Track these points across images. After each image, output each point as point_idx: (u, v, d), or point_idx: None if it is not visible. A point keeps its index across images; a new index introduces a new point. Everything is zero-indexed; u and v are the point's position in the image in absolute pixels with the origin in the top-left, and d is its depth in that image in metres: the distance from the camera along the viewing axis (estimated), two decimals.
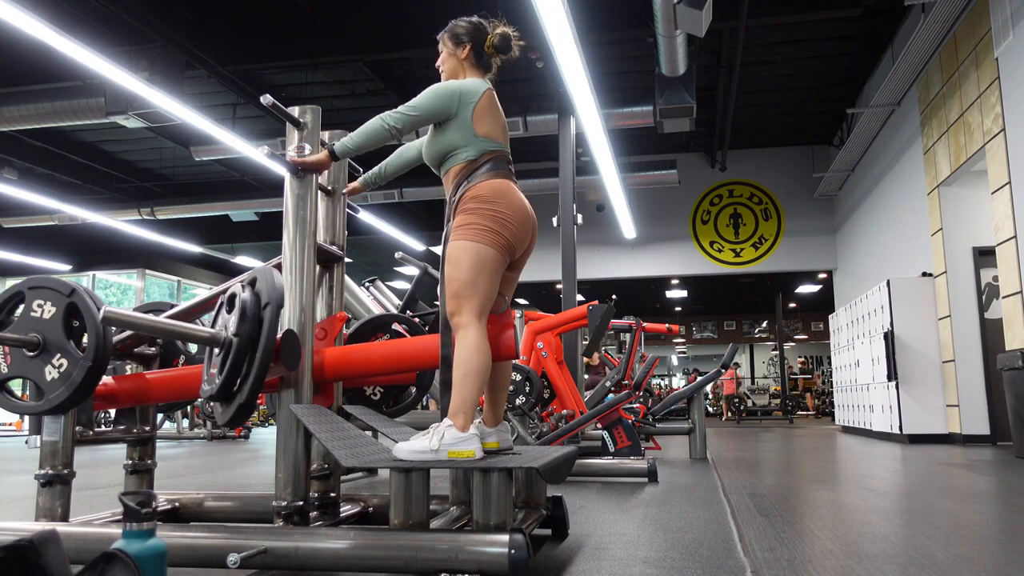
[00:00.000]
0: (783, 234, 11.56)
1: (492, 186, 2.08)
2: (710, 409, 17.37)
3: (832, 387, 11.81)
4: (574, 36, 4.96)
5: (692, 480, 4.01)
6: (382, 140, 2.10)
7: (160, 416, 6.94)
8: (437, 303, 2.58)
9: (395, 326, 2.53)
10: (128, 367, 2.46)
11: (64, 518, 2.05)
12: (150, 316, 1.87)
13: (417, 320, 2.56)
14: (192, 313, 2.39)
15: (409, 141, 2.41)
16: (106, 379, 2.18)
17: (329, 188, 2.46)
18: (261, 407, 9.52)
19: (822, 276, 14.98)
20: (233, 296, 1.87)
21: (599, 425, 4.60)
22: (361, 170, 2.64)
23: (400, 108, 2.09)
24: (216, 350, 1.88)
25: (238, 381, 1.83)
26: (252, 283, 1.91)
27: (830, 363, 12.54)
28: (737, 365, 19.93)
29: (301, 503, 1.97)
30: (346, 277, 2.49)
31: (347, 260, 2.48)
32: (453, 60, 2.25)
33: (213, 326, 1.95)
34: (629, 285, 14.49)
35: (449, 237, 2.07)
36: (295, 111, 2.21)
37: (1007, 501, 3.17)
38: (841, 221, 11.24)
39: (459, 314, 1.99)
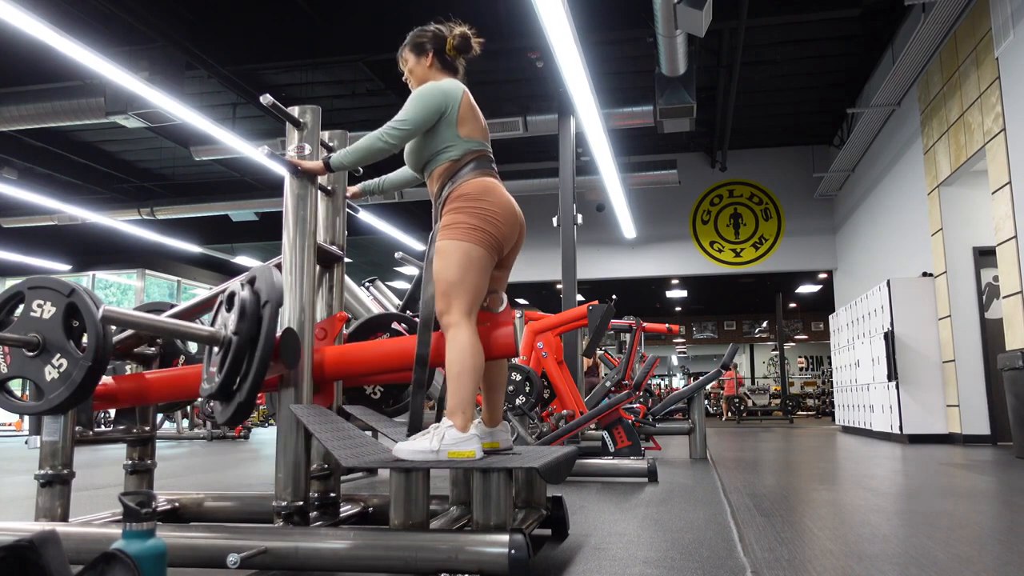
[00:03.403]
0: (783, 234, 11.56)
1: (477, 184, 2.08)
2: (710, 410, 17.36)
3: (832, 387, 11.81)
4: (574, 36, 4.96)
5: (692, 480, 4.00)
6: (378, 156, 2.12)
7: (160, 416, 6.94)
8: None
9: (394, 325, 2.52)
10: (128, 367, 2.46)
11: (64, 518, 2.05)
12: (150, 315, 1.87)
13: (417, 320, 2.56)
14: (192, 313, 2.39)
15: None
16: (106, 379, 2.17)
17: (329, 188, 2.46)
18: (261, 407, 9.52)
19: (822, 276, 14.98)
20: (232, 295, 1.87)
21: (599, 425, 4.60)
22: (361, 170, 2.64)
23: (392, 123, 2.10)
24: (216, 349, 1.88)
25: (238, 379, 1.83)
26: (251, 282, 1.91)
27: (830, 363, 12.54)
28: (735, 366, 19.93)
29: (301, 503, 1.97)
30: (346, 277, 2.49)
31: (347, 260, 2.47)
32: (419, 69, 2.27)
33: (212, 325, 1.96)
34: (629, 285, 14.48)
35: (436, 237, 2.07)
36: (295, 111, 2.21)
37: (1007, 501, 3.17)
38: (841, 221, 11.23)
39: (448, 313, 1.99)
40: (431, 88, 2.13)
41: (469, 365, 1.94)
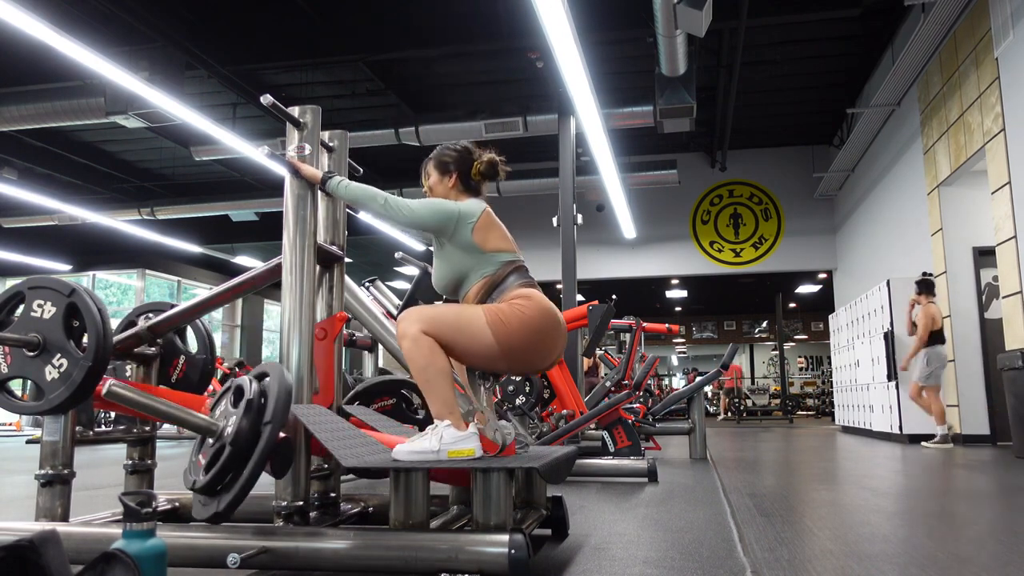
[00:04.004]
0: (783, 234, 11.56)
1: (527, 294, 2.05)
2: (710, 409, 17.37)
3: (832, 387, 11.81)
4: (574, 36, 4.96)
5: (692, 480, 4.01)
6: (370, 211, 2.13)
7: None
8: (437, 303, 2.57)
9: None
10: (128, 367, 2.46)
11: (64, 518, 2.05)
12: (153, 399, 1.81)
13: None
14: (193, 312, 2.40)
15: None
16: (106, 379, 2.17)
17: None
18: None
19: (822, 276, 14.98)
20: (240, 391, 1.82)
21: (599, 425, 4.60)
22: (361, 171, 2.64)
23: (400, 201, 2.09)
24: (209, 440, 1.84)
25: (224, 481, 1.78)
26: (262, 390, 1.83)
27: (830, 363, 12.54)
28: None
29: (301, 503, 1.97)
30: (346, 277, 2.49)
31: (347, 260, 2.48)
32: (441, 188, 2.25)
33: (214, 409, 1.92)
34: (629, 285, 14.48)
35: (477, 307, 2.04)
36: (295, 111, 2.21)
37: (1007, 501, 3.17)
38: (841, 221, 11.24)
39: (407, 322, 1.95)
40: (447, 206, 2.11)
41: (434, 369, 1.93)
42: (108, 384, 1.68)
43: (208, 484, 1.76)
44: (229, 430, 1.77)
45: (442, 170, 2.25)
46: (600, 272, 11.84)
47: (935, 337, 6.58)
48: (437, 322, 1.95)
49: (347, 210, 2.50)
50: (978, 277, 6.91)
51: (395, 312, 3.18)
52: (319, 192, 2.24)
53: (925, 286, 6.71)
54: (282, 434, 1.79)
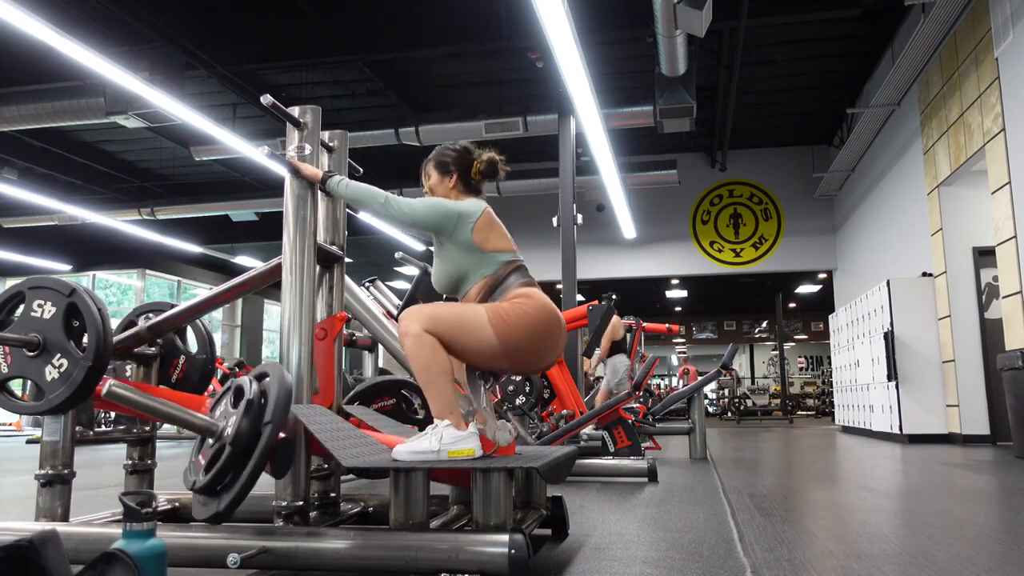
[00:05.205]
0: (783, 234, 11.56)
1: (528, 293, 2.06)
2: (710, 409, 17.37)
3: (832, 387, 11.81)
4: (574, 36, 4.96)
5: (692, 480, 4.01)
6: (370, 211, 2.13)
7: None
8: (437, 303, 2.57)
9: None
10: (128, 367, 2.46)
11: (64, 518, 2.05)
12: (151, 399, 1.81)
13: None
14: (192, 313, 2.40)
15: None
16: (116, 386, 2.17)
17: None
18: None
19: (822, 276, 14.98)
20: (240, 391, 1.82)
21: (599, 425, 4.60)
22: (361, 171, 2.64)
23: (401, 200, 2.09)
24: (209, 440, 1.84)
25: (224, 481, 1.78)
26: (262, 390, 1.83)
27: (830, 363, 12.54)
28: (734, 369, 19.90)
29: (301, 503, 1.97)
30: (346, 277, 2.49)
31: (347, 260, 2.48)
32: (441, 188, 2.25)
33: (214, 409, 1.92)
34: (629, 285, 14.48)
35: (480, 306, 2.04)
36: (295, 111, 2.22)
37: (1007, 501, 3.17)
38: (841, 221, 11.24)
39: (409, 321, 1.95)
40: (447, 206, 2.11)
41: (436, 368, 1.93)
42: (108, 384, 1.68)
43: (208, 484, 1.76)
44: (229, 430, 1.76)
45: (442, 170, 2.25)
46: (600, 272, 11.83)
47: (617, 347, 6.84)
48: (439, 320, 1.95)
49: (347, 210, 2.50)
50: (978, 277, 6.91)
51: (395, 312, 3.18)
52: (319, 192, 2.24)
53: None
54: (282, 434, 1.79)
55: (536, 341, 2.03)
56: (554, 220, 7.02)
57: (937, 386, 7.15)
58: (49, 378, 1.90)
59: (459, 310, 2.02)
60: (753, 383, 20.37)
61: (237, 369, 8.75)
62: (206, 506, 1.78)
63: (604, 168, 7.82)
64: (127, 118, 7.39)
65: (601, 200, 10.47)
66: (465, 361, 2.07)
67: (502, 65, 8.24)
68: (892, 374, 7.32)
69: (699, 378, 6.39)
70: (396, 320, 2.59)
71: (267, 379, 1.85)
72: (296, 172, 2.15)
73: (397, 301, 3.67)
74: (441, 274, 2.16)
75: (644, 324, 6.59)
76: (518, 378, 4.43)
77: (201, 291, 15.88)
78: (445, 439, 1.89)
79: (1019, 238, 5.45)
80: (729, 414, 15.62)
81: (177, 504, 2.50)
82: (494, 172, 2.26)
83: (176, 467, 5.33)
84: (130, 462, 2.41)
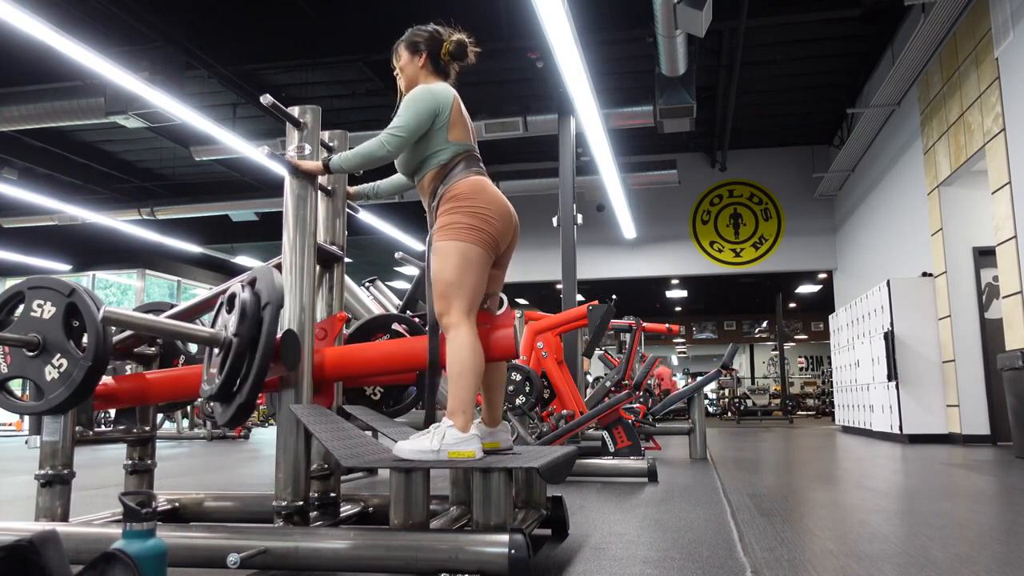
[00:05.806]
0: (783, 234, 11.56)
1: (469, 183, 2.10)
2: (710, 409, 17.37)
3: (832, 387, 11.81)
4: (574, 36, 4.96)
5: (692, 480, 4.00)
6: (377, 163, 2.13)
7: (160, 416, 6.94)
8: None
9: (395, 326, 2.52)
10: (128, 367, 2.46)
11: (64, 518, 2.05)
12: (150, 316, 1.87)
13: (417, 320, 2.56)
14: (192, 313, 2.39)
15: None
16: (106, 379, 2.17)
17: (329, 188, 2.46)
18: (261, 407, 9.52)
19: (822, 276, 14.98)
20: (233, 296, 1.87)
21: (599, 425, 4.59)
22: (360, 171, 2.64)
23: (390, 130, 2.10)
24: (216, 350, 1.88)
25: (238, 381, 1.83)
26: (252, 283, 1.91)
27: (830, 363, 12.54)
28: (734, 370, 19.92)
29: (301, 503, 1.97)
30: (346, 277, 2.49)
31: (347, 260, 2.48)
32: (411, 68, 2.27)
33: (213, 326, 1.95)
34: (629, 285, 14.48)
35: (432, 240, 2.08)
36: (295, 111, 2.21)
37: (1007, 501, 3.17)
38: (841, 221, 11.24)
39: (447, 314, 2.00)
40: (423, 92, 2.13)
41: (469, 366, 1.94)
42: (103, 309, 1.69)
43: (222, 387, 1.81)
44: (231, 328, 1.82)
45: (413, 50, 2.26)
46: (600, 272, 11.84)
47: None
48: (448, 285, 1.99)
49: (347, 210, 2.50)
50: (978, 277, 6.91)
51: (395, 312, 3.18)
52: (320, 192, 2.24)
53: None
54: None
55: (487, 218, 2.07)
56: (554, 220, 7.02)
57: (937, 386, 7.15)
58: (49, 378, 1.90)
59: (446, 264, 2.01)
60: (753, 383, 20.37)
61: None
62: (225, 411, 1.82)
63: (604, 168, 7.82)
64: (127, 118, 7.40)
65: (601, 200, 10.47)
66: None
67: (502, 65, 8.24)
68: (892, 374, 7.32)
69: (698, 379, 6.39)
70: (398, 321, 2.58)
71: (257, 281, 1.89)
72: (296, 171, 2.15)
73: (397, 301, 3.67)
74: (406, 156, 2.18)
75: (644, 324, 6.58)
76: (518, 378, 4.43)
77: (201, 291, 15.88)
78: (447, 440, 1.89)
79: (1019, 238, 5.45)
80: (729, 414, 15.62)
81: (177, 504, 2.50)
82: (463, 54, 2.28)
83: (176, 467, 5.33)
84: (130, 462, 2.41)
